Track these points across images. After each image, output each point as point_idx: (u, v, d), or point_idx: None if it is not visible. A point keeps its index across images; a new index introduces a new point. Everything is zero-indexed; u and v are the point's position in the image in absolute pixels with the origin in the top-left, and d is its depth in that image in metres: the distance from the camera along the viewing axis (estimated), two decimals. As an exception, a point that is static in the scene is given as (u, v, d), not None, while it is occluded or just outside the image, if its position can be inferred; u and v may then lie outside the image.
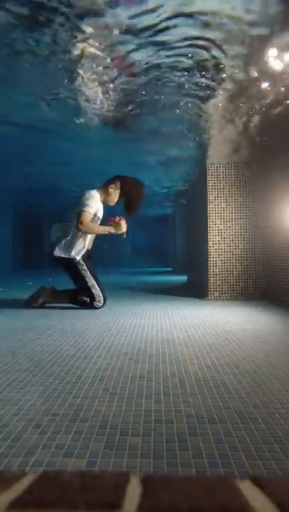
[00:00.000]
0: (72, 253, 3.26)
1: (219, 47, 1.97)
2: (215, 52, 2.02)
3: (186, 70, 2.21)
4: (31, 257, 11.41)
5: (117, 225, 3.24)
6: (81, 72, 2.29)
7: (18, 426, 1.07)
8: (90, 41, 1.96)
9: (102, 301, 3.28)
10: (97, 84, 2.43)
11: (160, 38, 1.90)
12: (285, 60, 2.10)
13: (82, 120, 3.09)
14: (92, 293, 3.27)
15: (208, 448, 0.95)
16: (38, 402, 1.24)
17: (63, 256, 3.28)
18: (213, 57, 2.07)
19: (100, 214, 3.31)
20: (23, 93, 2.61)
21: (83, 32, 1.87)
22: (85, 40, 1.94)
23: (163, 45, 1.97)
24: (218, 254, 4.08)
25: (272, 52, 2.04)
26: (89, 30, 1.85)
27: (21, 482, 0.26)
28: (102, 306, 3.29)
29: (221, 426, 1.07)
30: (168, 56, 2.07)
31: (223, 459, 0.90)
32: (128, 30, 1.85)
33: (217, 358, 1.77)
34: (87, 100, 2.70)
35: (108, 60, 2.16)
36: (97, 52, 2.06)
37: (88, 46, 2.00)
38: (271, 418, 1.12)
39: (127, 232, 3.31)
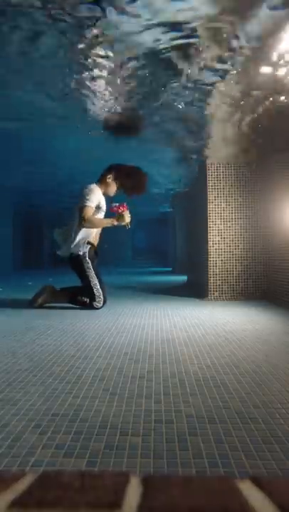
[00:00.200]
0: (77, 249, 3.25)
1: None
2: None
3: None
4: (31, 257, 11.40)
5: (120, 217, 3.18)
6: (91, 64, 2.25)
7: (18, 426, 1.07)
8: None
9: (101, 302, 3.27)
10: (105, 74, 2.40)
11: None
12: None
13: (88, 118, 3.08)
14: (93, 292, 3.25)
15: (208, 448, 0.95)
16: (38, 402, 1.24)
17: (71, 252, 3.27)
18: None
19: (104, 206, 3.31)
20: (31, 87, 2.57)
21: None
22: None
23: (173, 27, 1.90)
24: (218, 254, 4.08)
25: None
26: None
27: (21, 482, 0.26)
28: (101, 307, 3.28)
29: (221, 426, 1.07)
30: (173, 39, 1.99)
31: (223, 459, 0.90)
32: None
33: (217, 358, 1.77)
34: (94, 95, 2.67)
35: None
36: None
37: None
38: (271, 418, 1.12)
39: (131, 222, 3.26)
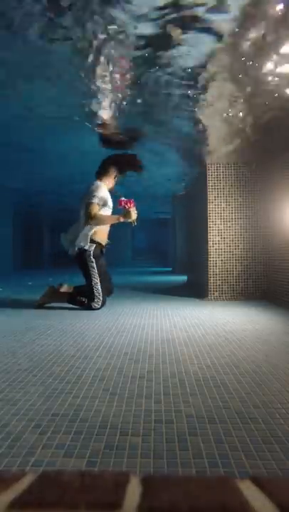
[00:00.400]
0: (82, 243, 3.24)
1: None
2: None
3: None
4: (31, 257, 11.41)
5: (127, 213, 3.17)
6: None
7: (18, 426, 1.07)
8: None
9: (99, 303, 3.24)
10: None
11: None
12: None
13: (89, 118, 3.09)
14: (93, 292, 3.24)
15: (208, 448, 0.95)
16: (38, 402, 1.24)
17: (77, 248, 3.26)
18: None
19: (110, 202, 3.31)
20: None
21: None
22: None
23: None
24: (218, 254, 4.08)
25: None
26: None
27: (21, 482, 0.26)
28: (99, 308, 3.25)
29: (221, 426, 1.07)
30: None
31: (223, 459, 0.90)
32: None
33: (217, 358, 1.77)
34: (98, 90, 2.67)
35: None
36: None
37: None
38: (271, 418, 1.12)
39: (137, 219, 3.25)
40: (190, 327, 2.53)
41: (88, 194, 3.19)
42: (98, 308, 3.25)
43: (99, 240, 3.31)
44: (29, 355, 1.81)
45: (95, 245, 3.27)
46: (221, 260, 4.08)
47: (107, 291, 3.58)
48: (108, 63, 2.23)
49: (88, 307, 3.24)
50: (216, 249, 4.08)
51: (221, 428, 1.06)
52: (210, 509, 0.23)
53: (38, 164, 4.92)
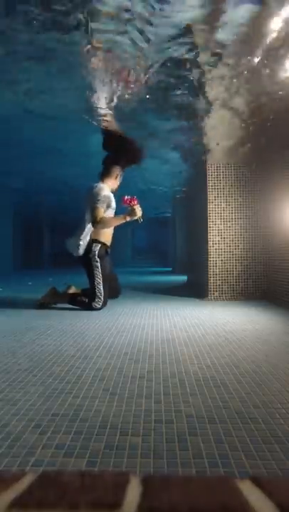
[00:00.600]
0: (86, 247, 3.25)
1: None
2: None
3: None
4: (31, 257, 11.41)
5: (131, 212, 3.15)
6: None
7: (18, 426, 1.07)
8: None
9: (100, 303, 3.23)
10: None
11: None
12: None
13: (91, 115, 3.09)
14: (95, 292, 3.23)
15: (208, 448, 0.95)
16: (38, 402, 1.24)
17: (83, 249, 3.26)
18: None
19: (114, 204, 3.31)
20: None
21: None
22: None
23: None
24: (218, 254, 4.08)
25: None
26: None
27: (21, 482, 0.26)
28: (100, 308, 3.24)
29: (221, 426, 1.07)
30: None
31: (223, 459, 0.90)
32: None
33: (217, 358, 1.77)
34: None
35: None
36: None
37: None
38: (271, 418, 1.12)
39: (143, 216, 3.24)
40: (190, 327, 2.53)
41: (92, 198, 3.18)
42: (99, 309, 3.24)
43: (104, 241, 3.32)
44: (29, 355, 1.81)
45: (100, 245, 3.27)
46: (221, 260, 4.08)
47: (116, 292, 3.61)
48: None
49: (89, 307, 3.24)
50: (216, 249, 4.08)
51: (221, 428, 1.06)
52: (210, 509, 0.23)
53: (38, 163, 4.92)
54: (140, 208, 3.19)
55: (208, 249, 4.08)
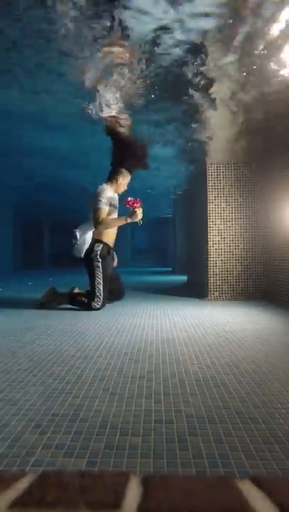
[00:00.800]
0: (88, 247, 3.27)
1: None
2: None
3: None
4: (31, 257, 11.42)
5: (133, 213, 3.20)
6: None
7: (18, 426, 1.07)
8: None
9: (100, 303, 3.24)
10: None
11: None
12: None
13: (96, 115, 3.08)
14: (94, 292, 3.24)
15: (208, 448, 0.95)
16: (38, 402, 1.24)
17: (85, 250, 3.28)
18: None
19: (116, 203, 3.36)
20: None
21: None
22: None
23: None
24: (218, 254, 4.08)
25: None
26: None
27: (21, 482, 0.26)
28: (99, 308, 3.24)
29: (221, 426, 1.07)
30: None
31: (223, 459, 0.90)
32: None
33: (217, 358, 1.77)
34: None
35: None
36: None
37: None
38: (271, 418, 1.12)
39: (143, 218, 3.28)
40: (190, 327, 2.53)
41: (94, 199, 3.22)
42: (98, 309, 3.24)
43: (106, 241, 3.34)
44: (29, 355, 1.81)
45: (102, 245, 3.30)
46: (221, 260, 4.08)
47: (120, 293, 3.65)
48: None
49: (88, 306, 3.24)
50: (216, 249, 4.08)
51: (221, 428, 1.06)
52: (210, 509, 0.23)
53: (38, 163, 4.92)
54: (141, 211, 3.22)
55: (208, 249, 4.08)
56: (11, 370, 1.58)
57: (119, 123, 3.24)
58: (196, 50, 2.09)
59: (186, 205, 6.70)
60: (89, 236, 3.27)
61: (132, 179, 3.49)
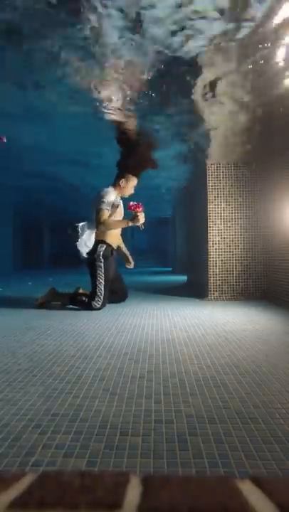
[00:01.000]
0: (91, 247, 3.29)
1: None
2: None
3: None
4: (31, 257, 11.42)
5: (134, 217, 3.23)
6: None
7: (18, 426, 1.07)
8: None
9: (100, 303, 3.24)
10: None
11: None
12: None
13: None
14: (95, 292, 3.25)
15: (208, 448, 0.95)
16: (38, 402, 1.24)
17: (88, 250, 3.29)
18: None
19: (118, 202, 3.38)
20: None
21: None
22: None
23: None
24: (218, 254, 4.08)
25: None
26: None
27: (21, 482, 0.26)
28: (99, 308, 3.25)
29: (221, 426, 1.07)
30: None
31: (223, 459, 0.90)
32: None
33: (217, 358, 1.77)
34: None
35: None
36: None
37: None
38: (271, 418, 1.12)
39: (144, 223, 3.31)
40: (190, 327, 2.53)
41: (97, 201, 3.26)
42: (98, 308, 3.25)
43: (109, 242, 3.36)
44: (29, 355, 1.81)
45: (105, 246, 3.32)
46: (221, 260, 4.08)
47: (123, 294, 3.68)
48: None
49: (88, 306, 3.25)
50: (216, 249, 4.08)
51: (221, 428, 1.06)
52: (210, 509, 0.23)
53: (38, 162, 4.91)
54: (143, 215, 3.26)
55: (208, 249, 4.08)
56: (11, 370, 1.58)
57: (125, 126, 3.25)
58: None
59: (186, 205, 6.70)
60: (91, 235, 3.28)
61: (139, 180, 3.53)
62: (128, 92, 2.62)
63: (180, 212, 8.24)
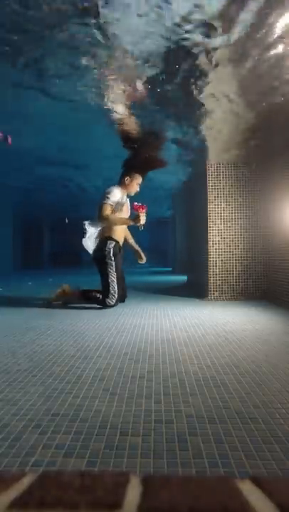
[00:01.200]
0: (98, 244, 3.35)
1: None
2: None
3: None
4: (31, 257, 11.42)
5: (136, 217, 3.28)
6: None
7: (18, 426, 1.07)
8: None
9: (114, 300, 3.30)
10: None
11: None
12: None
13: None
14: (108, 289, 3.30)
15: (208, 448, 0.95)
16: (38, 402, 1.24)
17: (96, 248, 3.35)
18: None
19: (124, 201, 3.42)
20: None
21: None
22: None
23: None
24: (218, 254, 4.08)
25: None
26: None
27: (21, 482, 0.26)
28: (114, 305, 3.32)
29: (221, 426, 1.07)
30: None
31: (223, 459, 0.90)
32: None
33: (217, 358, 1.77)
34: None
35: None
36: None
37: None
38: (271, 418, 1.12)
39: (144, 224, 3.34)
40: (190, 327, 2.53)
41: (102, 196, 3.32)
42: (112, 305, 3.31)
43: (116, 238, 3.40)
44: (29, 355, 1.81)
45: (114, 243, 3.37)
46: (221, 260, 4.08)
47: (123, 294, 3.67)
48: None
49: (103, 303, 3.30)
50: (216, 249, 4.09)
51: (221, 428, 1.06)
52: (210, 509, 0.23)
53: (38, 162, 4.91)
54: (145, 217, 3.30)
55: (208, 249, 4.08)
56: (11, 370, 1.58)
57: (129, 127, 3.26)
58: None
59: (186, 205, 6.70)
60: (96, 231, 3.33)
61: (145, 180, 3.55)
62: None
63: (180, 213, 8.24)
